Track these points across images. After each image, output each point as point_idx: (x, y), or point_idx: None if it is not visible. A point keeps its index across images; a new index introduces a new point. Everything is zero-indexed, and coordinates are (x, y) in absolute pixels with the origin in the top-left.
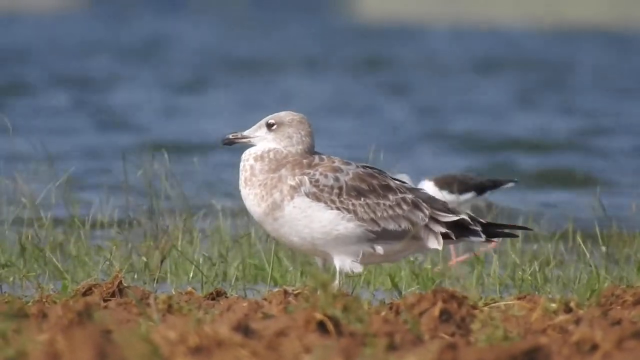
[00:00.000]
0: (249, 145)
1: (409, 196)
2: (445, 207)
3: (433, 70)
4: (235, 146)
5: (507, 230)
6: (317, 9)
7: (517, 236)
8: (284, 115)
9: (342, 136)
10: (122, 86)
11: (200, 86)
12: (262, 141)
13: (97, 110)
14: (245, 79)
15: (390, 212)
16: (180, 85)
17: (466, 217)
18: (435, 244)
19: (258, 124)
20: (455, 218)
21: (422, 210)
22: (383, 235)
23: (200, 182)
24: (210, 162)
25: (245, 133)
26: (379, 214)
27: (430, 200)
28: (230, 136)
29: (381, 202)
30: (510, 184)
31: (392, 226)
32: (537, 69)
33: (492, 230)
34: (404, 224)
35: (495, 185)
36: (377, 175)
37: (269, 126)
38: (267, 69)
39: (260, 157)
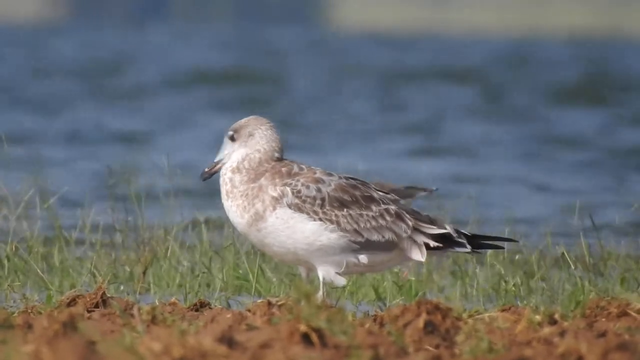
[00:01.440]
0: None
1: (392, 207)
2: (429, 219)
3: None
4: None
5: (492, 242)
6: (298, 18)
7: (503, 248)
8: (239, 121)
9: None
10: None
11: (178, 98)
12: (233, 154)
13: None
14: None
15: (374, 223)
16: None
17: (450, 229)
18: (418, 255)
19: (223, 145)
20: (440, 231)
21: (405, 222)
22: (367, 246)
23: (182, 192)
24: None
25: (217, 159)
26: (362, 225)
27: (414, 212)
28: (206, 169)
29: (364, 213)
30: (424, 193)
31: (375, 237)
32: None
33: (477, 242)
34: (388, 235)
35: (409, 194)
36: (359, 186)
37: (231, 138)
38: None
39: (237, 169)
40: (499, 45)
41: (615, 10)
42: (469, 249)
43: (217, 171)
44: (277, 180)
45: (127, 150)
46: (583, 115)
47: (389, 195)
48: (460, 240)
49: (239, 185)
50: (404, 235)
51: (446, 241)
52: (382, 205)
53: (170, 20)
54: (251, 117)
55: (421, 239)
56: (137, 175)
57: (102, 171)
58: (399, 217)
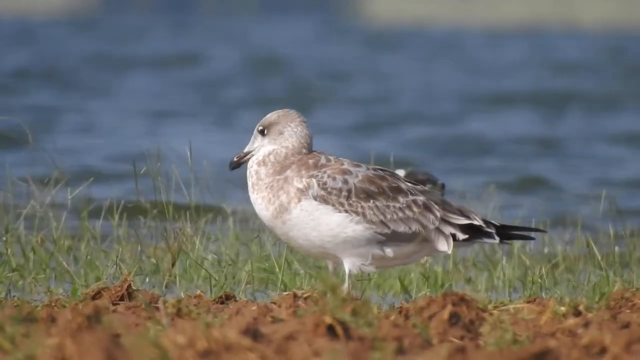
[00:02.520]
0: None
1: (420, 198)
2: (458, 210)
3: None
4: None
5: (522, 233)
6: (325, 10)
7: (534, 239)
8: (269, 116)
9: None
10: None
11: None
12: (261, 148)
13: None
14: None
15: (400, 214)
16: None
17: (479, 220)
18: (445, 246)
19: (253, 137)
20: (468, 222)
21: (433, 213)
22: (393, 238)
23: (209, 184)
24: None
25: (246, 150)
26: (388, 217)
27: (443, 203)
28: (235, 159)
29: (391, 204)
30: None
31: (402, 228)
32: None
33: (506, 233)
34: (415, 227)
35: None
36: (387, 177)
37: (261, 132)
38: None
39: (263, 162)
40: (527, 40)
41: None
42: (497, 240)
43: (245, 162)
44: (303, 172)
45: (156, 142)
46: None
47: (418, 187)
48: (488, 230)
49: (265, 177)
50: (431, 226)
51: (474, 232)
52: (410, 197)
53: (197, 14)
54: (282, 112)
55: (448, 230)
56: (163, 165)
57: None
58: (426, 208)
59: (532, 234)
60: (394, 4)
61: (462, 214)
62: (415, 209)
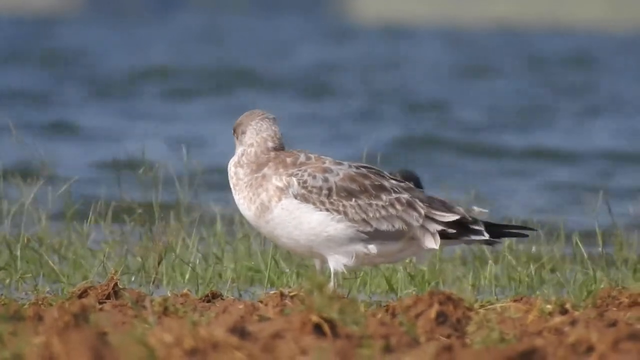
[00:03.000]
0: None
1: (404, 196)
2: (444, 206)
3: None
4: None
5: (513, 231)
6: (312, 9)
7: (527, 236)
8: (238, 118)
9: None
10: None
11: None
12: (237, 150)
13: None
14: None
15: (383, 212)
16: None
17: (466, 216)
18: (432, 243)
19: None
20: (453, 218)
21: (417, 210)
22: (376, 236)
23: (195, 183)
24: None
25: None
26: (370, 215)
27: (429, 199)
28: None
29: (373, 202)
30: None
31: (385, 227)
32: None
33: (497, 231)
34: (398, 224)
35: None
36: (370, 175)
37: (234, 134)
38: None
39: (239, 164)
40: (516, 38)
41: None
42: (486, 236)
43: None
44: (281, 170)
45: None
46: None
47: (402, 184)
48: (477, 227)
49: (243, 177)
50: (416, 224)
51: (462, 228)
52: (393, 194)
53: (187, 12)
54: (245, 113)
55: (434, 227)
56: (152, 165)
57: (114, 161)
58: (410, 205)
59: (525, 233)
60: (383, 2)
61: (448, 210)
62: (398, 206)
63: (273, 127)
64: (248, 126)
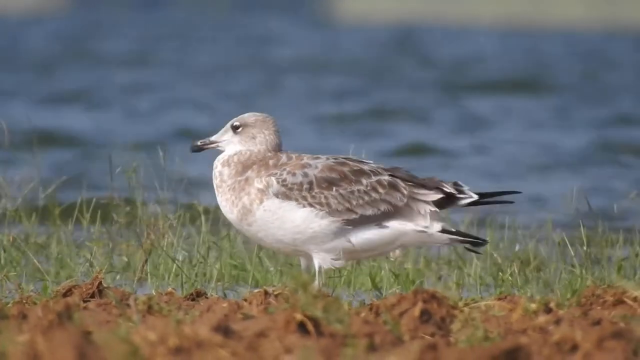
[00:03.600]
0: (218, 151)
1: (385, 178)
2: (425, 184)
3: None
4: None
5: (497, 199)
6: (297, 8)
7: (513, 202)
8: (247, 116)
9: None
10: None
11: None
12: (229, 145)
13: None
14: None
15: (366, 197)
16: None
17: (449, 187)
18: (422, 220)
19: (224, 128)
20: (437, 196)
21: (399, 191)
22: (362, 223)
23: (181, 180)
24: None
25: (213, 138)
26: (354, 202)
27: (411, 178)
28: (199, 143)
29: (355, 188)
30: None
31: (370, 212)
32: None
33: (481, 200)
34: (384, 207)
35: None
36: (348, 162)
37: (234, 129)
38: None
39: (227, 163)
40: (496, 36)
41: None
42: (475, 197)
43: (207, 149)
44: (262, 172)
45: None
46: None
47: (381, 165)
48: (462, 195)
49: (227, 179)
50: (400, 204)
51: (448, 201)
52: (374, 177)
53: (172, 9)
54: (260, 117)
55: (421, 206)
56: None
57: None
58: (392, 187)
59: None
60: (367, 1)
61: (431, 186)
62: (380, 189)
63: (278, 141)
64: (260, 133)
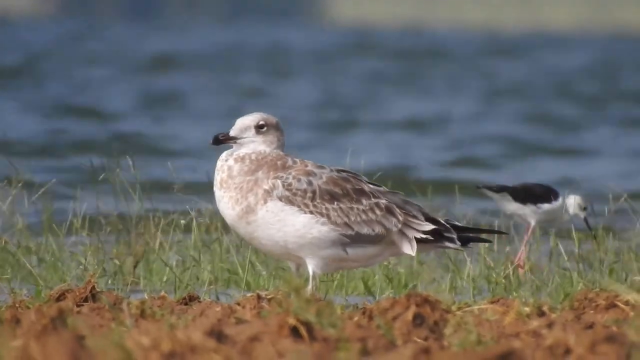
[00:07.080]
0: (228, 146)
1: (383, 201)
2: (420, 213)
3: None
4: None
5: (481, 235)
6: (293, 13)
7: (491, 241)
8: (271, 117)
9: None
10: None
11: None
12: (250, 143)
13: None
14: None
15: (364, 216)
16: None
17: (441, 223)
18: (409, 249)
19: (242, 125)
20: (429, 227)
21: (395, 216)
22: (357, 240)
23: (172, 185)
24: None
25: (233, 134)
26: (352, 218)
27: (406, 204)
28: (220, 137)
29: (354, 206)
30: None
31: (365, 230)
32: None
33: (465, 236)
34: (378, 229)
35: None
36: (351, 179)
37: (259, 127)
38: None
39: (241, 159)
40: (484, 37)
41: None
42: (458, 244)
43: (227, 145)
44: (271, 173)
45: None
46: None
47: (380, 189)
48: (450, 235)
49: (237, 175)
50: (394, 229)
51: (437, 235)
52: (373, 199)
53: (164, 17)
54: (276, 119)
55: (412, 233)
56: (126, 168)
57: (90, 165)
58: (389, 211)
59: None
60: (360, 6)
61: (425, 217)
62: (377, 211)
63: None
64: (282, 137)
